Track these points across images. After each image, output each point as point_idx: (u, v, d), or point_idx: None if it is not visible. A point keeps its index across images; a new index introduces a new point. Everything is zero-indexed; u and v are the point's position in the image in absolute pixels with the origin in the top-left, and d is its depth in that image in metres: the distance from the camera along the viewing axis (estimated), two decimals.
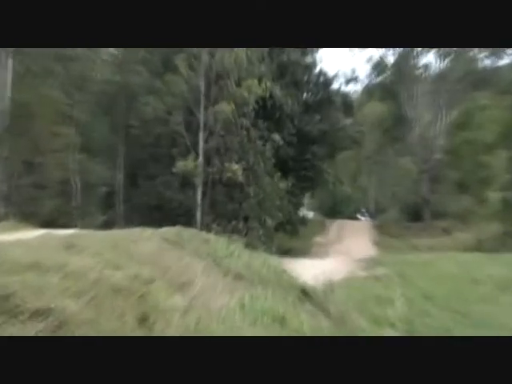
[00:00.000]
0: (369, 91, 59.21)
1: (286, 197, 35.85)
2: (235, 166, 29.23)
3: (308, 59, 43.56)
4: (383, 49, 52.36)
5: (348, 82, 55.28)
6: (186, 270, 8.48)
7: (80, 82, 30.37)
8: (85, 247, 7.62)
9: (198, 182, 29.75)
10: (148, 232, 11.67)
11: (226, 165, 29.35)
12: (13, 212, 23.67)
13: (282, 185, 34.18)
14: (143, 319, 5.58)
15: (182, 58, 29.02)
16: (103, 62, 34.89)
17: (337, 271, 21.01)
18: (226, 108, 28.99)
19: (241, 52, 29.06)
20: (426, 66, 52.77)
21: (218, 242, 13.71)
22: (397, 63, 52.67)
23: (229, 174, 29.14)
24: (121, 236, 10.03)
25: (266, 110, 35.09)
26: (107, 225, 25.20)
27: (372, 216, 68.10)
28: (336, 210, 73.68)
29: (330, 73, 63.15)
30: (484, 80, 49.08)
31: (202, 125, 30.12)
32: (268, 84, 31.01)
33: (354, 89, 67.81)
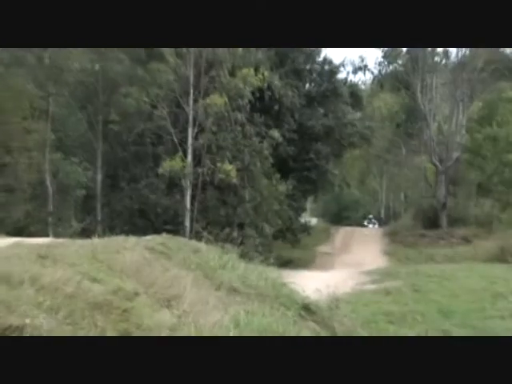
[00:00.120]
0: (379, 81, 59.11)
1: (286, 201, 35.95)
2: (229, 167, 29.27)
3: None
4: None
5: (356, 71, 55.42)
6: (173, 283, 8.53)
7: (55, 72, 30.31)
8: (60, 258, 7.68)
9: (187, 184, 29.79)
10: (131, 241, 11.70)
11: (219, 165, 29.39)
12: None
13: (282, 187, 34.29)
14: None
15: None
16: (81, 49, 34.88)
17: (343, 284, 21.06)
18: (218, 101, 29.04)
19: None
20: (445, 53, 52.75)
21: (209, 252, 13.75)
22: (411, 50, 52.59)
23: (221, 176, 29.18)
24: (100, 245, 10.08)
25: (264, 103, 35.17)
26: (85, 232, 25.18)
27: (381, 223, 68.06)
28: (342, 215, 73.65)
29: (336, 61, 63.22)
30: (510, 69, 49.13)
31: (190, 120, 30.16)
32: (266, 73, 31.10)
33: (363, 79, 67.81)
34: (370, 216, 73.99)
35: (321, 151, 42.39)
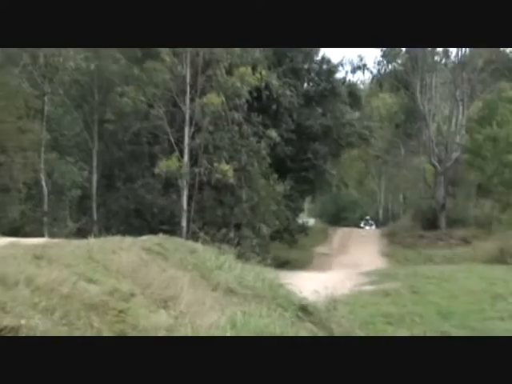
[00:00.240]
0: (378, 81, 59.10)
1: (284, 201, 35.97)
2: (226, 167, 29.28)
3: None
4: None
5: (355, 70, 55.39)
6: (169, 283, 8.53)
7: (50, 71, 30.26)
8: (56, 258, 7.68)
9: (183, 184, 29.81)
10: (127, 241, 11.71)
11: (215, 165, 29.40)
12: None
13: (279, 188, 34.31)
14: None
15: None
16: (76, 48, 34.82)
17: (341, 286, 21.09)
18: (215, 100, 29.06)
19: None
20: (445, 53, 52.77)
21: (206, 253, 13.75)
22: (410, 49, 52.54)
23: (218, 176, 29.20)
24: (96, 246, 10.09)
25: (261, 103, 35.16)
26: (81, 233, 25.17)
27: (379, 224, 68.06)
28: (340, 216, 73.73)
29: (335, 60, 63.19)
30: (510, 69, 49.17)
31: (187, 119, 30.18)
32: (263, 72, 31.12)
33: (362, 78, 67.76)
34: (367, 217, 73.89)
35: (319, 151, 42.39)
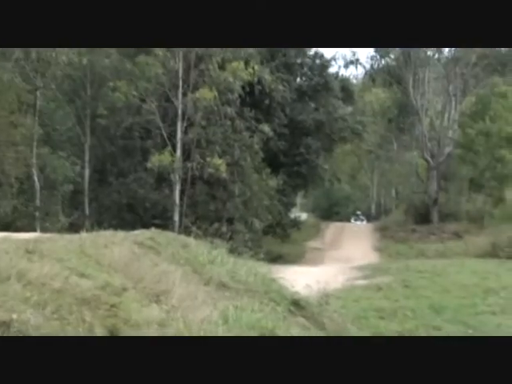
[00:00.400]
0: (371, 76, 59.09)
1: (276, 196, 36.01)
2: (218, 161, 29.25)
3: None
4: None
5: (347, 65, 55.28)
6: (162, 278, 8.53)
7: (42, 65, 30.17)
8: (48, 253, 7.66)
9: (176, 178, 29.78)
10: (119, 236, 11.69)
11: (208, 159, 29.37)
12: None
13: (272, 182, 34.36)
14: (113, 333, 5.65)
15: None
16: None
17: (333, 280, 21.09)
18: (207, 95, 29.02)
19: None
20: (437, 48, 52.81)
21: (198, 247, 13.74)
22: None
23: (211, 170, 29.17)
24: (88, 240, 10.07)
25: (254, 97, 35.13)
26: (73, 227, 25.15)
27: (370, 219, 68.11)
28: (332, 211, 73.88)
29: (327, 55, 63.19)
30: (503, 64, 49.25)
31: (180, 114, 30.14)
32: (256, 67, 31.08)
33: (355, 73, 67.81)
34: (358, 212, 73.81)
35: (311, 146, 42.42)
